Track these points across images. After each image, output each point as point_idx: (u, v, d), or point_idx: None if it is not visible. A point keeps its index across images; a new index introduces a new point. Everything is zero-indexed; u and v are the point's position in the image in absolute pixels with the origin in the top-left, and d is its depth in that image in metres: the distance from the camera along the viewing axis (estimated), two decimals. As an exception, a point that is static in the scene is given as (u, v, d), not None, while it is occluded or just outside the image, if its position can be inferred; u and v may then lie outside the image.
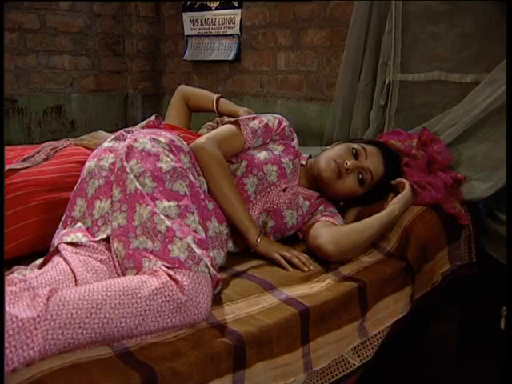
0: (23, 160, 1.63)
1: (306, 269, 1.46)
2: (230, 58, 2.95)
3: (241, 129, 1.63)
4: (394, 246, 1.64)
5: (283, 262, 1.46)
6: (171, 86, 3.44)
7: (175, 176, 1.31)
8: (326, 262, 1.53)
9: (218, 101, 2.10)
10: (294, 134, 1.75)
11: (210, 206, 1.46)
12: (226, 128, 1.65)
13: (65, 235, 1.27)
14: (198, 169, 1.51)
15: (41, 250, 1.47)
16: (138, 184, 1.27)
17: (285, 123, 1.72)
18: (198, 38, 3.14)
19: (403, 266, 1.58)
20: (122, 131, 1.44)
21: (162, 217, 1.22)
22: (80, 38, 3.29)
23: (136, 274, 1.18)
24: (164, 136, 1.43)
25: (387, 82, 2.22)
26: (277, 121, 1.70)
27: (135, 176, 1.29)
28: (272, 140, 1.70)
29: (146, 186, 1.28)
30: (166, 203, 1.26)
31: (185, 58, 3.22)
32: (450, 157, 1.86)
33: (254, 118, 1.68)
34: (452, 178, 1.80)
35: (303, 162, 1.76)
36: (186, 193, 1.31)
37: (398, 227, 1.66)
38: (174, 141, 1.44)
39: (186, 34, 3.21)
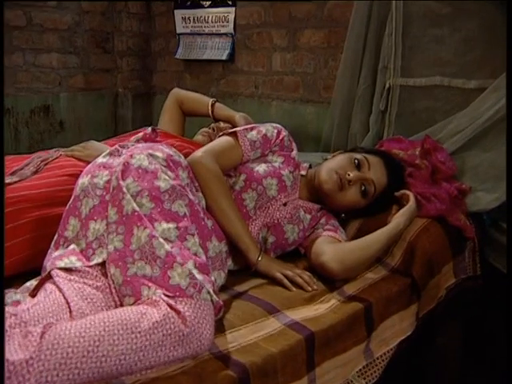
0: (12, 173, 1.56)
1: (310, 288, 1.40)
2: (224, 57, 2.88)
3: (238, 141, 1.57)
4: (399, 261, 1.59)
5: (286, 281, 1.41)
6: (162, 84, 3.36)
7: (174, 195, 1.25)
8: (330, 279, 1.47)
9: (213, 105, 2.02)
10: (294, 144, 1.69)
11: (209, 223, 1.40)
12: (223, 140, 1.58)
13: (57, 259, 1.21)
14: (197, 184, 1.44)
15: (33, 268, 1.41)
16: (135, 205, 1.20)
17: (284, 133, 1.66)
18: (190, 37, 3.06)
19: (408, 282, 1.53)
20: (117, 146, 1.37)
21: (161, 240, 1.16)
22: (68, 35, 3.19)
23: (134, 302, 1.12)
24: (161, 150, 1.36)
25: (387, 86, 2.16)
26: (275, 131, 1.64)
27: (132, 195, 1.22)
28: (271, 151, 1.63)
29: (144, 207, 1.21)
30: (164, 225, 1.19)
31: (177, 56, 3.13)
32: (455, 166, 1.81)
33: (251, 129, 1.61)
34: (456, 188, 1.75)
35: (303, 173, 1.70)
36: (185, 213, 1.24)
37: (403, 241, 1.61)
38: (171, 155, 1.37)
39: (177, 31, 3.12)
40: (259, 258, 1.44)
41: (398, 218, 1.56)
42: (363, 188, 1.60)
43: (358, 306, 1.37)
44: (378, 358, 1.40)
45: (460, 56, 1.98)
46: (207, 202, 1.44)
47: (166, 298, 1.08)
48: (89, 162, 1.65)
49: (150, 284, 1.11)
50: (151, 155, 1.32)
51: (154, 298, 1.08)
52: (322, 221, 1.65)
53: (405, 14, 2.09)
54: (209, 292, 1.13)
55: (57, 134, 3.25)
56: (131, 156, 1.30)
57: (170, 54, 3.24)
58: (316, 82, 2.53)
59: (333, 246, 1.48)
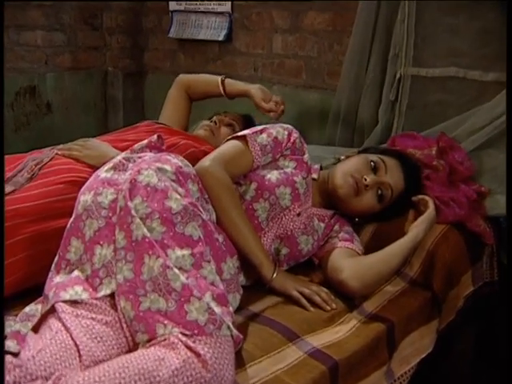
0: (5, 180, 1.44)
1: (328, 308, 1.33)
2: (221, 38, 2.72)
3: (248, 145, 1.46)
4: (418, 271, 1.52)
5: (303, 301, 1.33)
6: (154, 63, 3.20)
7: (187, 217, 1.15)
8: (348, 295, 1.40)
9: (223, 82, 1.90)
10: (305, 146, 1.58)
11: (221, 238, 1.30)
12: (232, 146, 1.47)
13: (61, 289, 1.11)
14: (206, 196, 1.34)
15: (31, 287, 1.32)
16: (145, 230, 1.10)
17: (295, 135, 1.55)
18: (184, 14, 2.89)
19: (429, 296, 1.47)
20: (121, 159, 1.26)
21: (176, 271, 1.06)
22: (54, 11, 3.00)
23: (148, 339, 1.03)
24: (169, 162, 1.25)
25: (398, 75, 2.05)
26: (286, 132, 1.53)
27: (141, 218, 1.12)
28: (282, 155, 1.53)
29: (155, 231, 1.11)
30: (178, 252, 1.10)
31: (170, 35, 2.97)
32: (473, 167, 1.73)
33: (261, 132, 1.50)
34: (475, 191, 1.68)
35: (315, 176, 1.60)
36: (199, 237, 1.14)
37: (421, 250, 1.53)
38: (180, 167, 1.26)
39: (170, 8, 2.95)
40: (274, 275, 1.36)
41: (418, 228, 1.48)
42: (380, 192, 1.52)
43: (380, 327, 1.30)
44: (398, 378, 1.34)
45: (477, 47, 1.88)
46: (217, 215, 1.35)
47: (184, 339, 0.99)
48: (88, 165, 1.55)
49: (165, 321, 1.02)
50: (159, 169, 1.21)
51: (171, 338, 0.99)
52: (336, 228, 1.57)
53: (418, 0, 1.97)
54: (229, 327, 1.04)
55: (44, 116, 3.09)
56: (138, 172, 1.19)
57: (162, 32, 3.07)
58: (320, 66, 2.41)
59: (352, 262, 1.40)
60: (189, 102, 2.03)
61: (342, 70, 2.21)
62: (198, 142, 1.79)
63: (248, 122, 2.04)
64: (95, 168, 1.53)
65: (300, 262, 1.52)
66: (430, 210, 1.52)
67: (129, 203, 1.13)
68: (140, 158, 1.26)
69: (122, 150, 1.60)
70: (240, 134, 1.50)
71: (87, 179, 1.46)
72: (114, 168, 1.23)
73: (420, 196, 1.57)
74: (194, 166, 1.64)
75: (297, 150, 1.55)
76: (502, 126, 1.70)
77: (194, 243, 1.13)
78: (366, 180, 1.49)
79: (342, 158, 1.65)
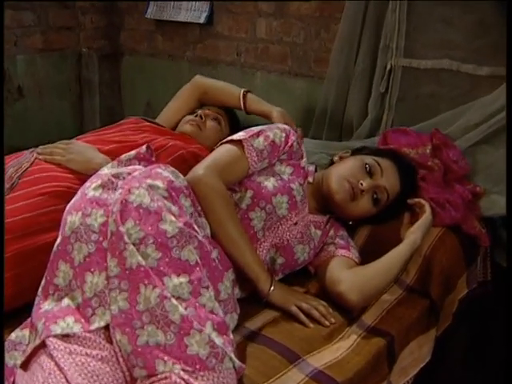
0: (-17, 193, 1.35)
1: (327, 323, 1.29)
2: (202, 20, 2.60)
3: (244, 151, 1.39)
4: (414, 278, 1.50)
5: (302, 317, 1.29)
6: (131, 44, 3.06)
7: (183, 241, 1.08)
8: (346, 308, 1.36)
9: (245, 97, 1.81)
10: (303, 149, 1.52)
11: (215, 253, 1.25)
12: (226, 151, 1.40)
13: (51, 320, 1.04)
14: (199, 208, 1.28)
15: (15, 308, 1.26)
16: (140, 258, 1.04)
17: (292, 137, 1.48)
18: (162, -6, 2.76)
19: (427, 305, 1.45)
20: (110, 176, 1.17)
21: (174, 302, 1.01)
22: (22, -11, 2.84)
23: (147, 375, 0.98)
24: (161, 177, 1.18)
25: (388, 67, 1.99)
26: (284, 135, 1.46)
27: (134, 243, 1.06)
28: (279, 160, 1.46)
29: (150, 258, 1.05)
30: (175, 280, 1.04)
31: (147, 16, 2.83)
32: (467, 166, 1.69)
33: (258, 135, 1.43)
34: (470, 191, 1.65)
35: (310, 179, 1.55)
36: (196, 261, 1.09)
37: (417, 256, 1.51)
38: (172, 181, 1.19)
39: (147, -13, 2.81)
40: (271, 289, 1.31)
41: (415, 234, 1.44)
42: (375, 196, 1.48)
43: (381, 342, 1.28)
44: (398, 390, 1.32)
45: (472, 40, 1.82)
46: (212, 227, 1.29)
47: (186, 377, 0.95)
48: (71, 170, 1.46)
49: (165, 357, 0.97)
50: (151, 187, 1.14)
51: (173, 377, 0.94)
52: (331, 233, 1.52)
53: (410, -12, 1.90)
54: (231, 358, 1.00)
55: (15, 102, 2.94)
56: (129, 191, 1.11)
57: (139, 12, 2.93)
58: (306, 53, 2.32)
59: (350, 274, 1.36)
60: (198, 106, 1.93)
61: (330, 59, 2.13)
62: (186, 142, 1.72)
63: (232, 117, 1.96)
64: (78, 175, 1.46)
65: (295, 270, 1.48)
66: (427, 215, 1.48)
67: (120, 228, 1.06)
68: (129, 173, 1.18)
69: (108, 153, 1.53)
70: (236, 137, 1.42)
71: (70, 189, 1.40)
72: (103, 186, 1.15)
73: (416, 199, 1.53)
74: (183, 169, 1.59)
75: (294, 153, 1.48)
76: (499, 123, 1.66)
77: (191, 269, 1.07)
78: (362, 185, 1.45)
79: (336, 158, 1.60)
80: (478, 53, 1.82)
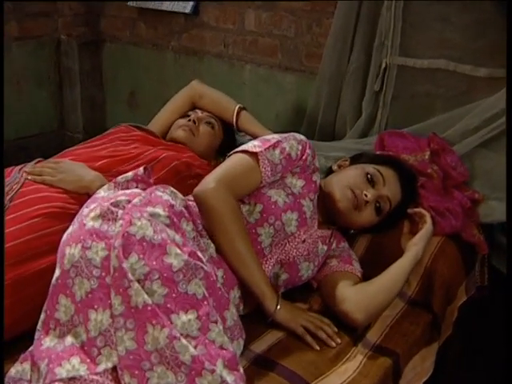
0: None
1: (334, 344, 1.28)
2: (188, 10, 2.52)
3: (259, 164, 1.33)
4: (416, 290, 1.50)
5: (309, 339, 1.27)
6: (112, 32, 2.96)
7: (189, 274, 1.05)
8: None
9: (238, 113, 1.75)
10: (316, 162, 1.47)
11: (220, 272, 1.22)
12: (239, 162, 1.34)
13: (55, 363, 1.01)
14: (201, 227, 1.25)
15: (11, 338, 1.22)
16: (146, 296, 1.00)
17: (308, 151, 1.41)
18: (144, -19, 2.66)
19: (429, 319, 1.44)
20: (109, 205, 1.12)
21: (184, 342, 0.98)
22: (-4, -26, 2.70)
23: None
24: (161, 202, 1.14)
25: (383, 65, 1.95)
26: (300, 147, 1.40)
27: (139, 280, 1.02)
28: (291, 172, 1.42)
29: (156, 294, 1.02)
30: (183, 317, 1.01)
31: (130, 4, 2.73)
32: (466, 172, 1.68)
33: (274, 147, 1.36)
34: (469, 198, 1.64)
35: (317, 191, 1.51)
36: (204, 294, 1.06)
37: (419, 267, 1.50)
38: (172, 206, 1.16)
39: (128, -27, 2.70)
40: (277, 307, 1.29)
41: (417, 246, 1.42)
42: (378, 205, 1.45)
43: (387, 362, 1.27)
44: (401, 405, 1.32)
45: (470, 40, 1.79)
46: (220, 242, 1.26)
47: (200, 422, 0.92)
48: (63, 190, 1.41)
49: (178, 401, 0.94)
50: (152, 215, 1.10)
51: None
52: (333, 246, 1.50)
53: (407, -15, 1.85)
54: (243, 397, 0.98)
55: (-8, 93, 2.83)
56: (130, 222, 1.07)
57: (120, -2, 2.83)
58: (297, 47, 2.27)
59: (354, 292, 1.34)
60: (191, 109, 1.88)
61: (323, 56, 2.08)
62: (179, 151, 1.67)
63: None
64: (72, 194, 1.41)
65: (297, 285, 1.46)
66: (428, 226, 1.46)
67: (124, 265, 1.02)
68: (129, 201, 1.14)
69: (99, 169, 1.48)
70: (251, 148, 1.35)
71: (65, 209, 1.36)
72: (102, 216, 1.10)
73: (416, 209, 1.51)
74: (177, 180, 1.56)
75: (307, 166, 1.43)
76: (499, 128, 1.64)
77: (199, 303, 1.04)
78: (366, 196, 1.42)
79: (335, 167, 1.57)
80: (476, 53, 1.79)
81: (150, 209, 1.11)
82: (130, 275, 1.01)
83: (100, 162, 1.50)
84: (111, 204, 1.12)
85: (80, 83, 3.04)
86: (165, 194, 1.18)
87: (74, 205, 1.38)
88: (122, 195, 1.16)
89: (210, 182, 1.28)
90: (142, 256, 1.04)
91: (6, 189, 1.37)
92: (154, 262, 1.03)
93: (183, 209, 1.20)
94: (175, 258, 1.05)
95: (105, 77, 3.07)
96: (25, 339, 1.21)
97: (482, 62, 1.78)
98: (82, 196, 1.41)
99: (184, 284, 1.04)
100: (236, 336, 1.17)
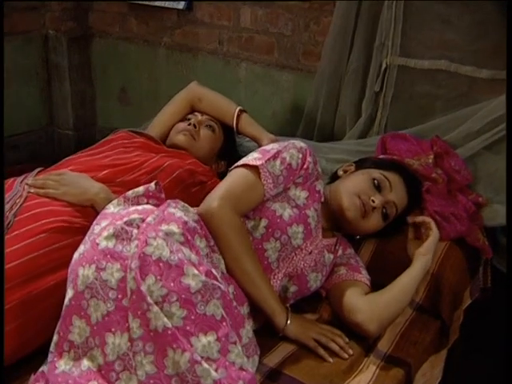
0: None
1: (346, 356, 1.28)
2: (180, 6, 2.47)
3: (260, 177, 1.32)
4: (423, 296, 1.51)
5: (321, 352, 1.27)
6: (101, 27, 2.89)
7: (207, 295, 1.04)
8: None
9: (239, 117, 1.73)
10: (318, 167, 1.45)
11: (231, 289, 1.21)
12: (241, 177, 1.32)
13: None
14: (212, 243, 1.23)
15: (20, 359, 1.20)
16: (165, 319, 0.99)
17: (309, 159, 1.40)
18: (135, -24, 2.60)
19: (438, 326, 1.44)
20: (122, 224, 1.10)
21: (206, 366, 0.98)
22: (-19, -32, 2.61)
23: None
24: (174, 219, 1.13)
25: (384, 65, 1.93)
26: (300, 156, 1.39)
27: (157, 302, 1.01)
28: (294, 183, 1.41)
29: (175, 317, 1.01)
30: (203, 339, 1.00)
31: (120, -2, 2.68)
32: (470, 175, 1.68)
33: (274, 158, 1.34)
34: (473, 202, 1.64)
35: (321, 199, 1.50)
36: (222, 315, 1.05)
37: (426, 274, 1.49)
38: (185, 223, 1.14)
39: (118, -33, 2.64)
40: (288, 322, 1.28)
41: (426, 256, 1.42)
42: (384, 211, 1.45)
43: (400, 374, 1.28)
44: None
45: (472, 41, 1.78)
46: (227, 262, 1.25)
47: None
48: (68, 203, 1.38)
49: (201, 426, 0.94)
50: (167, 234, 1.08)
51: None
52: (340, 253, 1.50)
53: (407, -15, 1.83)
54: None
55: (-21, 90, 2.76)
56: (146, 242, 1.05)
57: (109, -7, 2.76)
58: (294, 45, 2.24)
59: (367, 302, 1.34)
60: (191, 112, 1.84)
61: (322, 55, 2.06)
62: (181, 158, 1.65)
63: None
64: (77, 207, 1.38)
65: (305, 296, 1.45)
66: (434, 234, 1.46)
67: (142, 287, 1.01)
68: (142, 219, 1.12)
69: (103, 180, 1.46)
70: (251, 162, 1.33)
71: (71, 223, 1.33)
72: (116, 236, 1.08)
73: (420, 218, 1.51)
74: (181, 189, 1.54)
75: (309, 175, 1.42)
76: (501, 132, 1.64)
77: (218, 324, 1.03)
78: (373, 202, 1.42)
79: (340, 172, 1.56)
80: (478, 54, 1.79)
81: (164, 227, 1.09)
82: (148, 298, 1.00)
83: (103, 172, 1.47)
84: (125, 223, 1.10)
85: (69, 79, 2.97)
86: (178, 211, 1.17)
87: (79, 218, 1.36)
88: (134, 213, 1.14)
89: (213, 200, 1.26)
90: (159, 277, 1.02)
91: (9, 203, 1.33)
92: (172, 284, 1.02)
93: (196, 224, 1.19)
94: (193, 279, 1.04)
95: (94, 72, 3.01)
96: (35, 358, 1.19)
97: (484, 64, 1.77)
98: (87, 208, 1.39)
99: (202, 305, 1.03)
100: (251, 353, 1.17)
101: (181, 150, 1.73)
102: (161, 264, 1.03)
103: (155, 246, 1.05)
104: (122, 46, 2.83)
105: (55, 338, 1.09)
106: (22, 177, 1.46)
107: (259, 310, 1.28)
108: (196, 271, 1.05)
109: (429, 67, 1.88)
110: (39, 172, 1.51)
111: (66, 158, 1.60)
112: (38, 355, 1.19)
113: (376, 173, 1.47)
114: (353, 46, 1.98)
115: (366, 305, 1.34)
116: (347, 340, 1.32)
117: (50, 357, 1.08)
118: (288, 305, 1.38)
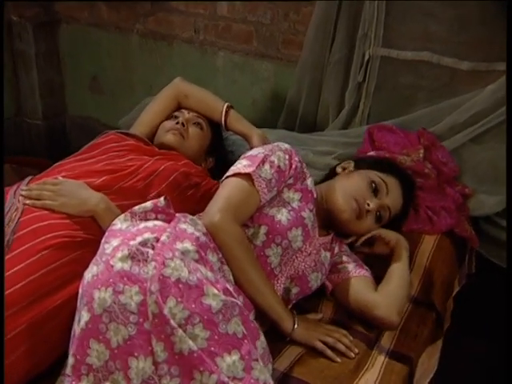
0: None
1: (353, 355, 1.32)
2: (154, -7, 2.42)
3: (254, 184, 1.33)
4: (418, 289, 1.56)
5: (329, 353, 1.30)
6: (68, 12, 2.80)
7: (228, 314, 1.06)
8: (359, 329, 1.40)
9: (227, 113, 1.71)
10: (305, 167, 1.48)
11: (241, 298, 1.23)
12: (237, 187, 1.33)
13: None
14: (221, 255, 1.24)
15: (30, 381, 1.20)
16: (191, 343, 1.00)
17: (295, 158, 1.43)
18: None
19: (433, 318, 1.50)
20: (137, 245, 1.09)
21: (232, 385, 0.99)
22: None
23: None
24: (187, 236, 1.14)
25: (367, 56, 1.95)
26: (287, 157, 1.41)
27: (180, 324, 1.02)
28: (286, 185, 1.42)
29: (199, 339, 1.02)
30: (228, 359, 1.02)
31: (88, -16, 2.59)
32: (457, 167, 1.74)
33: (263, 162, 1.36)
34: (460, 193, 1.70)
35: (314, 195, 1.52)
36: (243, 332, 1.07)
37: (418, 267, 1.57)
38: (198, 238, 1.15)
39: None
40: (295, 327, 1.31)
41: (397, 238, 1.52)
42: (378, 214, 1.49)
43: (404, 370, 1.32)
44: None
45: (453, 34, 1.82)
46: (233, 273, 1.26)
47: None
48: (67, 214, 1.36)
49: None
50: (183, 253, 1.09)
51: None
52: (336, 250, 1.54)
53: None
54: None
55: None
56: (163, 264, 1.05)
57: (75, -23, 2.66)
58: (273, 34, 2.23)
59: (382, 296, 1.40)
60: (177, 109, 1.81)
61: (303, 46, 2.07)
62: (174, 159, 1.63)
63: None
64: (76, 219, 1.36)
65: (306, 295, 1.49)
66: (380, 230, 1.52)
67: (165, 311, 1.01)
68: (156, 238, 1.11)
69: (100, 187, 1.43)
70: (242, 170, 1.34)
71: (73, 237, 1.31)
72: (132, 257, 1.07)
73: (365, 236, 1.54)
74: (178, 193, 1.53)
75: (298, 175, 1.44)
76: (488, 124, 1.69)
77: (240, 342, 1.05)
78: (368, 205, 1.45)
79: (339, 170, 1.58)
80: (459, 47, 1.82)
81: (179, 245, 1.10)
82: (172, 322, 1.01)
83: (100, 179, 1.44)
84: (139, 243, 1.10)
85: (36, 67, 2.89)
86: (188, 226, 1.18)
87: (79, 231, 1.33)
88: (146, 231, 1.13)
89: (215, 214, 1.26)
90: (179, 299, 1.03)
91: (6, 218, 1.29)
92: (193, 305, 1.03)
93: (206, 238, 1.19)
94: (213, 299, 1.05)
95: (63, 60, 2.92)
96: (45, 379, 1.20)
97: (465, 56, 1.82)
98: (87, 219, 1.37)
99: (224, 324, 1.05)
100: (266, 362, 1.19)
101: (171, 149, 1.71)
102: (180, 285, 1.04)
103: (173, 266, 1.05)
104: (93, 33, 2.76)
105: (71, 360, 1.08)
106: (15, 186, 1.42)
107: (265, 316, 1.31)
108: (216, 290, 1.06)
109: (412, 58, 1.91)
110: (31, 180, 1.47)
111: (56, 164, 1.56)
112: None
113: (375, 176, 1.49)
114: (335, 36, 1.98)
115: (382, 299, 1.39)
116: (351, 338, 1.36)
117: (67, 380, 1.08)
118: (290, 306, 1.41)
